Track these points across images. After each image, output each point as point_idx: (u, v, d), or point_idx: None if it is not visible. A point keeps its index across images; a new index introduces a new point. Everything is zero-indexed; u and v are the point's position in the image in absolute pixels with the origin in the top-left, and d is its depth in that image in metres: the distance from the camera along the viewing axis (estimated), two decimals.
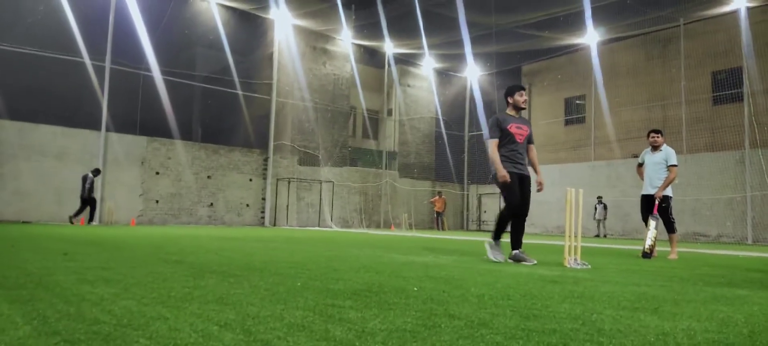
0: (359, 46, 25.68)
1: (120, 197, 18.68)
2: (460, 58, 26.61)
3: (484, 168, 27.98)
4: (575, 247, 5.32)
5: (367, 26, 23.38)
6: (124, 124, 18.92)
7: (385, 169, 26.18)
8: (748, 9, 18.74)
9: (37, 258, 4.60)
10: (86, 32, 18.04)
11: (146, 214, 19.23)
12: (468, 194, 29.34)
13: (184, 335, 1.90)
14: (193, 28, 20.82)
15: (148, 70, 19.26)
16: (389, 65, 26.66)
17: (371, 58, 26.40)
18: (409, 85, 27.77)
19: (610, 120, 22.85)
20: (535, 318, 2.37)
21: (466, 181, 29.40)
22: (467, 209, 29.30)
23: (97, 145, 18.21)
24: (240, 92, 21.67)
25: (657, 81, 21.80)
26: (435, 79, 28.61)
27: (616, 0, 19.20)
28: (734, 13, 19.07)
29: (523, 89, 5.92)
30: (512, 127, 5.65)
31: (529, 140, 5.83)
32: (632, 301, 2.97)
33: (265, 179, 22.24)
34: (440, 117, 28.60)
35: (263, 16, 22.42)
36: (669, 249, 7.34)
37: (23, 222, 16.04)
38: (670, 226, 7.06)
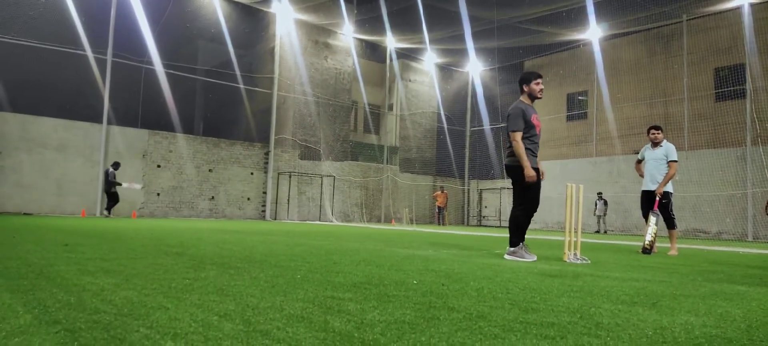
0: (361, 40, 25.63)
1: (121, 189, 18.67)
2: (461, 53, 26.54)
3: (485, 163, 27.96)
4: (575, 242, 5.33)
5: (368, 20, 23.31)
6: (125, 117, 18.91)
7: (387, 163, 26.18)
8: (752, 5, 18.67)
9: (38, 249, 4.62)
10: (88, 25, 18.03)
11: (147, 207, 19.27)
12: (469, 189, 29.33)
13: (184, 324, 1.91)
14: (195, 22, 20.79)
15: (150, 63, 19.24)
16: (391, 60, 26.62)
17: (373, 52, 26.35)
18: (410, 80, 27.73)
19: (611, 116, 22.83)
20: (533, 311, 2.38)
21: (467, 176, 29.38)
22: (468, 204, 29.29)
23: (98, 138, 18.23)
24: (241, 86, 21.66)
25: (659, 77, 21.74)
26: (436, 74, 28.55)
27: None
28: (737, 10, 19.00)
29: (541, 77, 5.39)
30: (534, 119, 5.27)
31: None
32: (631, 295, 2.98)
33: (266, 172, 22.26)
34: (442, 112, 28.57)
35: (265, 10, 22.38)
36: (669, 245, 7.35)
37: (24, 214, 16.08)
38: (670, 222, 7.06)
